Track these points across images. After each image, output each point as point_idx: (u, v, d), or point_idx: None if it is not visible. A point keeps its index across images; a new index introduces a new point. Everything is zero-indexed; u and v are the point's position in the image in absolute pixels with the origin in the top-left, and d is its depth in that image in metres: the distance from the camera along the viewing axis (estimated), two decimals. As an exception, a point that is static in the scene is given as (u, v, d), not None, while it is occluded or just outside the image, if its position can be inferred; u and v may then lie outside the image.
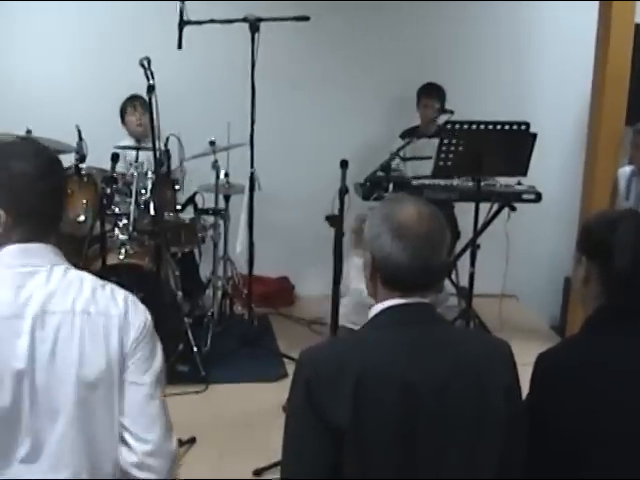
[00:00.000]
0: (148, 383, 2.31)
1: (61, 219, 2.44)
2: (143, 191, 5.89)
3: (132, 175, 5.84)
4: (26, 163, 2.31)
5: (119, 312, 2.29)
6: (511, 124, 5.96)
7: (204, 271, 6.84)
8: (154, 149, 5.21)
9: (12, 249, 2.29)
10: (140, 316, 2.33)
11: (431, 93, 7.18)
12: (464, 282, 6.58)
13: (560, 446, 2.45)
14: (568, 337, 2.71)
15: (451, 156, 5.97)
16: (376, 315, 2.32)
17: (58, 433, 2.22)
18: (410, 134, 6.93)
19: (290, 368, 2.21)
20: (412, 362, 2.18)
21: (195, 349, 5.81)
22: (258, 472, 4.56)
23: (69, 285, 2.29)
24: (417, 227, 2.25)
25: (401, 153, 6.63)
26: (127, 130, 6.86)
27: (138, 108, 6.73)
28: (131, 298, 2.36)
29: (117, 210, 5.81)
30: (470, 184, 6.42)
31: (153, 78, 5.05)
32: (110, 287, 2.36)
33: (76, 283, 2.31)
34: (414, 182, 6.54)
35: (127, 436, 2.28)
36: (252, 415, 5.27)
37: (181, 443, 4.81)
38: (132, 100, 6.77)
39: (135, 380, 2.29)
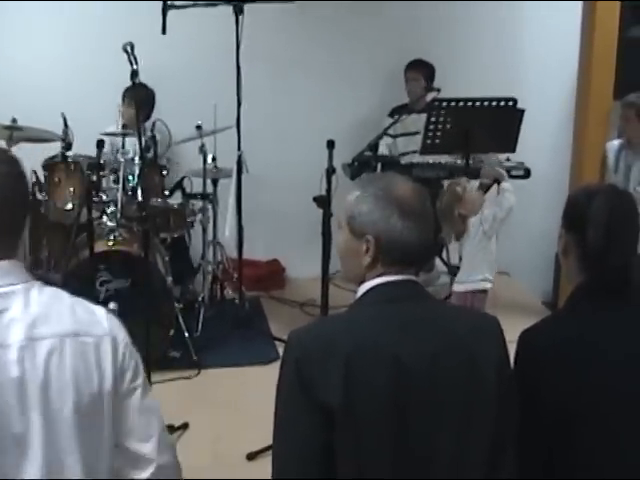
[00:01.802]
0: (141, 384, 2.21)
1: (23, 231, 2.22)
2: (130, 177, 5.86)
3: (119, 162, 5.80)
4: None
5: (105, 330, 2.14)
6: (498, 100, 5.94)
7: (193, 256, 6.83)
8: (139, 135, 5.17)
9: None
10: (122, 330, 2.20)
11: (415, 67, 7.19)
12: (455, 260, 6.57)
13: (545, 422, 2.47)
14: (550, 314, 2.73)
15: (439, 134, 5.96)
16: (364, 293, 2.32)
17: (60, 461, 2.06)
18: (399, 112, 6.90)
19: (282, 351, 2.22)
20: (402, 338, 2.18)
21: (186, 334, 5.82)
22: (251, 456, 4.56)
23: (49, 305, 2.12)
24: (418, 204, 2.30)
25: (391, 131, 6.62)
26: None
27: (125, 100, 6.61)
28: (107, 312, 2.22)
29: (104, 197, 5.78)
30: (459, 161, 6.41)
31: (137, 63, 5.01)
32: (84, 302, 2.21)
33: (55, 302, 2.15)
34: (402, 161, 6.54)
35: (130, 441, 2.18)
36: (245, 399, 5.27)
37: (174, 429, 4.82)
38: (125, 92, 6.63)
39: (131, 387, 2.18)
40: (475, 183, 5.39)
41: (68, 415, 2.05)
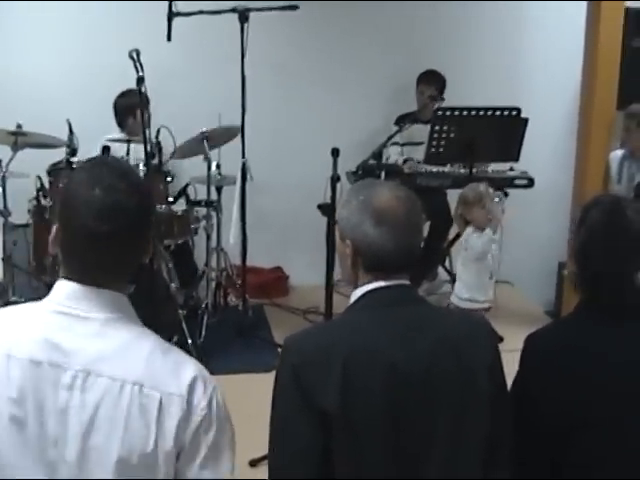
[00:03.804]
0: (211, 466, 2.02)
1: (136, 263, 2.10)
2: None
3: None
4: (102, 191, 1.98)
5: (180, 391, 1.95)
6: (502, 110, 5.96)
7: (197, 263, 6.83)
8: (145, 141, 5.18)
9: (61, 285, 2.01)
10: (206, 397, 1.98)
11: (429, 80, 7.15)
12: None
13: (546, 426, 2.48)
14: (557, 320, 2.75)
15: (443, 143, 5.98)
16: (358, 299, 2.36)
17: None
18: (405, 120, 6.90)
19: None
20: (397, 343, 2.22)
21: (190, 341, 5.81)
22: (254, 462, 4.55)
23: (125, 345, 1.98)
24: (396, 211, 2.32)
25: (398, 139, 6.64)
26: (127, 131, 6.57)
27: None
28: (200, 373, 2.02)
29: (109, 203, 5.76)
30: (462, 171, 6.42)
31: (142, 70, 5.03)
32: (175, 355, 2.04)
33: (135, 344, 2.00)
34: (406, 169, 6.55)
35: None
36: (248, 405, 5.25)
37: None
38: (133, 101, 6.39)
39: (195, 465, 1.98)
40: (494, 198, 5.50)
41: (108, 465, 1.90)
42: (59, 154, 5.91)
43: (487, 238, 5.48)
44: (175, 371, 1.98)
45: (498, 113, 5.97)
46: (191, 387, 1.96)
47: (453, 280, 7.05)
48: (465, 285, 5.61)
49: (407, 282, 2.36)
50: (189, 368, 2.01)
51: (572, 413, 2.45)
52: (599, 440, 2.46)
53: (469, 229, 5.54)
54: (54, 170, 5.93)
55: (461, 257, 5.61)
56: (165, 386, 1.94)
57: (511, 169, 6.60)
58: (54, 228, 2.06)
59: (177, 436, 1.93)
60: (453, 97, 6.67)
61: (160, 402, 1.92)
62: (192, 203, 6.42)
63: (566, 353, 2.52)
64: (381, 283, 2.32)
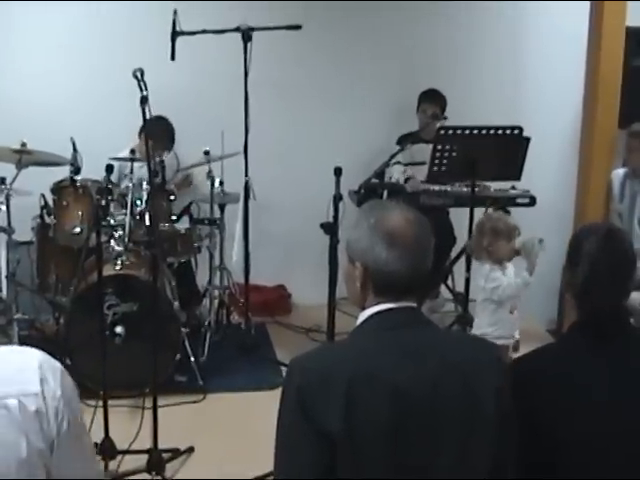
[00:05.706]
0: (82, 458, 2.03)
1: None
2: (138, 202, 5.88)
3: (127, 186, 5.82)
4: None
5: (35, 388, 1.90)
6: (504, 128, 5.96)
7: (200, 281, 6.85)
8: (148, 160, 5.20)
9: None
10: (58, 385, 1.95)
11: (431, 99, 7.17)
12: (460, 287, 6.59)
13: (533, 447, 2.50)
14: (545, 344, 2.75)
15: (445, 162, 5.97)
16: (365, 321, 2.35)
17: None
18: (407, 140, 6.92)
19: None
20: (401, 366, 2.20)
21: (192, 359, 5.82)
22: (257, 480, 4.57)
23: None
24: (408, 234, 2.30)
25: (400, 159, 6.65)
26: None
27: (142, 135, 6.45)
28: (45, 363, 1.97)
29: (112, 221, 5.79)
30: (464, 189, 6.43)
31: (146, 89, 5.05)
32: (18, 355, 2.01)
33: None
34: (409, 189, 6.56)
35: None
36: (250, 423, 5.27)
37: (179, 452, 4.83)
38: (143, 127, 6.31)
39: (68, 457, 1.97)
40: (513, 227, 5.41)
41: None
42: (63, 172, 5.93)
43: (522, 282, 5.34)
44: (22, 371, 1.94)
45: (500, 132, 5.96)
46: (42, 380, 1.93)
47: (455, 298, 7.08)
48: (477, 323, 5.46)
49: (414, 304, 2.35)
50: (34, 362, 1.96)
51: (550, 435, 2.47)
52: (577, 463, 2.48)
53: (487, 266, 5.37)
54: (58, 188, 5.96)
55: (482, 293, 5.40)
56: (18, 389, 1.89)
57: (513, 188, 6.60)
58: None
59: (43, 431, 1.90)
60: (456, 116, 6.67)
61: (19, 407, 1.87)
62: (195, 221, 6.45)
63: (541, 377, 2.53)
64: (389, 305, 2.31)
